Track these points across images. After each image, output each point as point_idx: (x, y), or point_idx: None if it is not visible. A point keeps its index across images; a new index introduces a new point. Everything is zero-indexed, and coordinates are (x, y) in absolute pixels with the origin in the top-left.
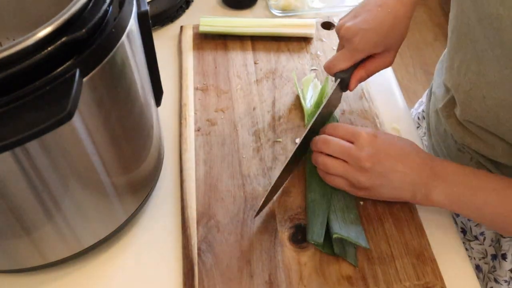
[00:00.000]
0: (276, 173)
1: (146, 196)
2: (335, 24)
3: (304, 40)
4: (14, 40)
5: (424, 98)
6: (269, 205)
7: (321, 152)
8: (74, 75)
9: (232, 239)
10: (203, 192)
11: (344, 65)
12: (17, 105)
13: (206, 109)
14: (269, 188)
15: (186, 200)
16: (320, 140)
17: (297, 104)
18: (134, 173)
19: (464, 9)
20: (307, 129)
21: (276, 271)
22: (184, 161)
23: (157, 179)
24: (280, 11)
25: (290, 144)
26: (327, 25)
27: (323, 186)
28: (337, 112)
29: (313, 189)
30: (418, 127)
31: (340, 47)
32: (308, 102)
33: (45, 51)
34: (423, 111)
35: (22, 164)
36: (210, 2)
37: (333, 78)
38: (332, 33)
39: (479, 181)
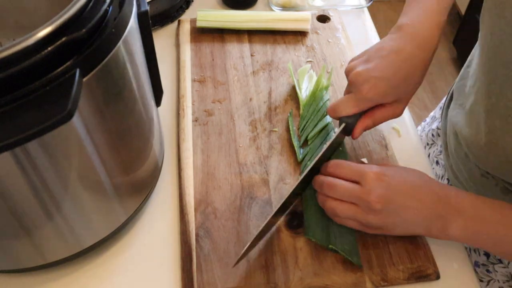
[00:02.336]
0: (272, 162)
1: (146, 196)
2: (330, 17)
3: (300, 33)
4: (14, 40)
5: (436, 113)
6: (266, 193)
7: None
8: (74, 75)
9: (229, 225)
10: (200, 180)
11: (349, 111)
12: (17, 105)
13: (203, 100)
14: (258, 231)
15: (184, 188)
16: (325, 184)
17: (293, 94)
18: (134, 173)
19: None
20: (306, 170)
21: (272, 256)
22: (182, 151)
23: (157, 179)
24: (280, 8)
25: (286, 134)
26: (322, 18)
27: None
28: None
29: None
30: (432, 144)
31: (347, 91)
32: (304, 93)
33: (45, 51)
34: (437, 128)
35: (22, 164)
36: (210, 2)
37: (328, 68)
38: (328, 26)
39: (498, 215)
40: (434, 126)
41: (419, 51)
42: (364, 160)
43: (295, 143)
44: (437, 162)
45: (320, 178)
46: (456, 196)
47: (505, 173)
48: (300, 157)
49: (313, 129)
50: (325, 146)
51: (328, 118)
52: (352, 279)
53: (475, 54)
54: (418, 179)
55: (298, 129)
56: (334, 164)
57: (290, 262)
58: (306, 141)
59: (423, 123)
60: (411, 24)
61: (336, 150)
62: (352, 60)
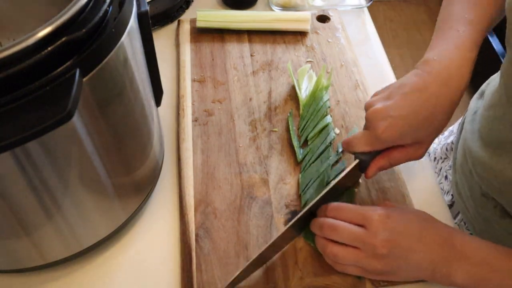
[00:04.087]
0: (272, 162)
1: (146, 196)
2: (330, 17)
3: (299, 33)
4: (14, 40)
5: (454, 128)
6: (266, 193)
7: (327, 238)
8: (74, 75)
9: (229, 225)
10: (200, 180)
11: (363, 149)
12: (17, 105)
13: (203, 100)
14: (248, 263)
15: (184, 187)
16: (326, 225)
17: (293, 94)
18: (134, 173)
19: None
20: (309, 205)
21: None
22: (182, 151)
23: (157, 179)
24: (280, 8)
25: (286, 134)
26: (322, 18)
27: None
28: (330, 103)
29: (310, 185)
30: (445, 159)
31: (366, 127)
32: (304, 93)
33: (45, 51)
34: (452, 142)
35: (22, 164)
36: (210, 2)
37: (329, 69)
38: (327, 26)
39: (504, 263)
40: (449, 140)
41: (445, 89)
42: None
43: (295, 143)
44: (446, 177)
45: (320, 219)
46: (462, 240)
47: (506, 198)
48: (300, 157)
49: (313, 129)
50: (336, 179)
51: (328, 119)
52: (352, 279)
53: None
54: (423, 221)
55: (298, 129)
56: (334, 207)
57: (289, 262)
58: (306, 141)
59: (440, 136)
60: (438, 60)
61: (347, 188)
62: (374, 95)
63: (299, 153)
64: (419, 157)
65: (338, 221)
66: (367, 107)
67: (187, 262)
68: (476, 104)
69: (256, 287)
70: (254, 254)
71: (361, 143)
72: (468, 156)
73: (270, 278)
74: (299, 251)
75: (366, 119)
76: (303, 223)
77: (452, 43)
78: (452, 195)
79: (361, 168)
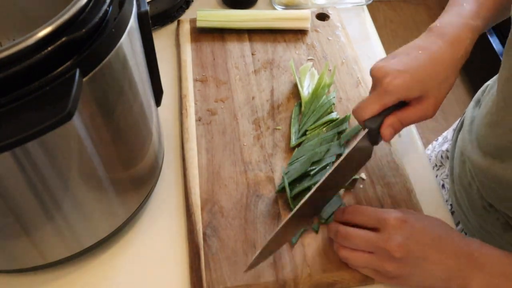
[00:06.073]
0: (277, 160)
1: (147, 195)
2: (330, 15)
3: (299, 31)
4: (14, 40)
5: (449, 134)
6: (271, 191)
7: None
8: (74, 75)
9: (236, 223)
10: (206, 179)
11: (372, 109)
12: (17, 105)
13: (206, 99)
14: (261, 249)
15: (189, 187)
16: (340, 234)
17: (295, 92)
18: (134, 173)
19: None
20: (320, 183)
21: (280, 253)
22: (186, 150)
23: (158, 178)
24: (283, 7)
25: (289, 131)
26: (321, 16)
27: None
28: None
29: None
30: (440, 166)
31: (372, 89)
32: (306, 90)
33: (45, 51)
34: (447, 150)
35: (22, 164)
36: (210, 2)
37: (331, 66)
38: (327, 24)
39: None
40: (444, 147)
41: (447, 47)
42: (363, 175)
43: (293, 130)
44: (443, 186)
45: (334, 226)
46: (479, 249)
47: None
48: (293, 142)
49: (313, 123)
50: (345, 152)
51: (333, 115)
52: (360, 274)
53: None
54: (439, 229)
55: (299, 125)
56: (352, 210)
57: (298, 259)
58: (305, 133)
59: (434, 143)
60: (441, 26)
61: (360, 165)
62: (378, 61)
63: (294, 138)
64: (429, 114)
65: (351, 230)
66: (371, 70)
67: (196, 261)
68: (473, 113)
69: (265, 285)
70: None
71: (370, 103)
72: (468, 167)
73: (279, 276)
74: (307, 248)
75: (372, 77)
76: (315, 203)
77: (455, 13)
78: (451, 204)
79: (371, 138)
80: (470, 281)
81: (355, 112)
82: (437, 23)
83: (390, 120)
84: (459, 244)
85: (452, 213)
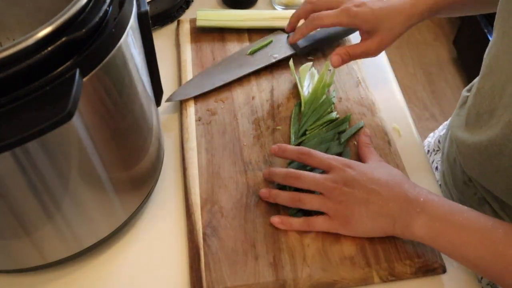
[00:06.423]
0: (277, 160)
1: (147, 195)
2: None
3: None
4: (14, 40)
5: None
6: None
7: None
8: (74, 75)
9: (236, 223)
10: (206, 179)
11: (329, 19)
12: (17, 105)
13: (205, 99)
14: None
15: (189, 187)
16: (290, 175)
17: (295, 92)
18: (134, 172)
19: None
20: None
21: (280, 253)
22: (186, 150)
23: (158, 178)
24: (284, 7)
25: (289, 131)
26: None
27: None
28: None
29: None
30: (437, 151)
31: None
32: (306, 90)
33: (45, 51)
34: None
35: (22, 164)
36: (210, 2)
37: (331, 66)
38: None
39: (464, 219)
40: (443, 132)
41: (408, 3)
42: None
43: (293, 130)
44: (436, 168)
45: (284, 170)
46: (426, 196)
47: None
48: (293, 141)
49: (313, 122)
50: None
51: (333, 115)
52: (360, 274)
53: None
54: (387, 175)
55: (299, 125)
56: (306, 152)
57: (298, 259)
58: (304, 133)
59: (436, 130)
60: None
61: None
62: None
63: (294, 138)
64: (373, 51)
65: (302, 171)
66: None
67: (196, 261)
68: (463, 97)
69: (265, 285)
70: (262, 251)
71: (329, 15)
72: (454, 143)
73: (279, 276)
74: (307, 248)
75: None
76: None
77: None
78: (440, 185)
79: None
80: (412, 223)
81: (315, 17)
82: None
83: (338, 50)
84: (407, 190)
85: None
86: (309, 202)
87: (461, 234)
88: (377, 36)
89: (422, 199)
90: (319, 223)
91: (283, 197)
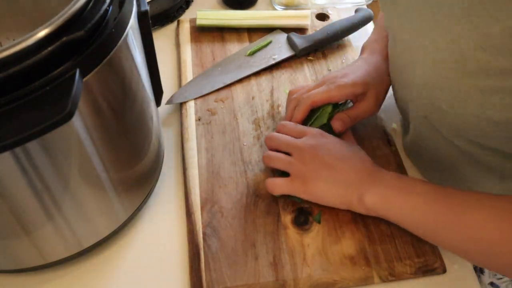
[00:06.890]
0: None
1: (147, 195)
2: (329, 15)
3: (299, 31)
4: (14, 40)
5: None
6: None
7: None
8: (74, 75)
9: (236, 223)
10: (206, 179)
11: (321, 98)
12: (17, 105)
13: (206, 99)
14: None
15: (189, 187)
16: (266, 137)
17: None
18: (134, 172)
19: None
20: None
21: (280, 253)
22: (186, 150)
23: (158, 178)
24: (283, 7)
25: None
26: (321, 16)
27: None
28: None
29: None
30: None
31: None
32: None
33: (45, 51)
34: None
35: (22, 164)
36: (210, 2)
37: (331, 66)
38: (327, 24)
39: (412, 187)
40: None
41: (380, 57)
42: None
43: None
44: None
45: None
46: (380, 171)
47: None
48: None
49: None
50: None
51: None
52: (360, 274)
53: None
54: (350, 151)
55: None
56: (282, 124)
57: (298, 259)
58: None
59: None
60: (370, 44)
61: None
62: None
63: None
64: (372, 108)
65: (276, 134)
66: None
67: (196, 261)
68: None
69: (265, 285)
70: (262, 251)
71: (319, 93)
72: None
73: (279, 276)
74: (307, 248)
75: (322, 81)
76: None
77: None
78: None
79: None
80: (366, 193)
81: (304, 97)
82: (366, 43)
83: (339, 115)
84: (367, 165)
85: None
86: (277, 159)
87: (409, 199)
88: (371, 94)
89: (378, 173)
90: (278, 183)
91: (263, 157)
